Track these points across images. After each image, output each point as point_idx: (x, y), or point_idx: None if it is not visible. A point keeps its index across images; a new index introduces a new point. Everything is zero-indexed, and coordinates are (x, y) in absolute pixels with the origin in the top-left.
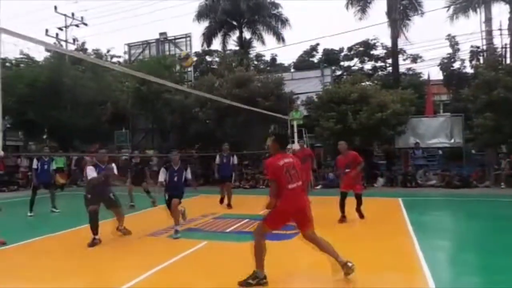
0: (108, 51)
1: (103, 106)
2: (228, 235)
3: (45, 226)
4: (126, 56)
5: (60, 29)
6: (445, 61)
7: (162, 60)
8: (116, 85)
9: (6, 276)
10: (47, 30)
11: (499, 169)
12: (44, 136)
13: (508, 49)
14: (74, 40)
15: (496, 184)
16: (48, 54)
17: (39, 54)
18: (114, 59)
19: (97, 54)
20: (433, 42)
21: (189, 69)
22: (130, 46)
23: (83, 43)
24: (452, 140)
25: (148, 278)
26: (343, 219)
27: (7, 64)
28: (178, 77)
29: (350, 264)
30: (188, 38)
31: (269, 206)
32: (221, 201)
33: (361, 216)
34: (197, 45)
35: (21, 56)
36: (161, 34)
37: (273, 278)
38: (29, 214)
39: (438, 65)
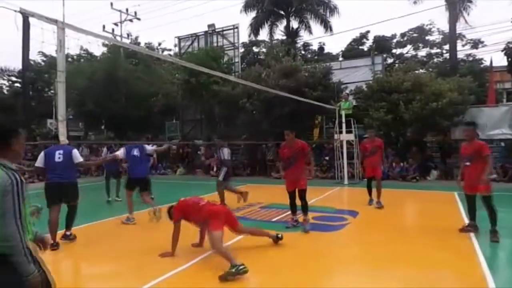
0: (160, 44)
1: (155, 98)
2: (274, 224)
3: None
4: (176, 49)
5: (116, 24)
6: (510, 45)
7: (210, 51)
8: (167, 78)
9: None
10: (104, 26)
11: None
12: (102, 127)
13: None
14: (128, 34)
15: None
16: (105, 49)
17: (97, 49)
18: (165, 52)
19: (149, 47)
20: (496, 25)
21: (236, 60)
22: (180, 38)
23: (137, 37)
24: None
25: (196, 264)
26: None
27: (69, 59)
28: (226, 68)
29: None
30: (235, 29)
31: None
32: None
33: None
34: (244, 36)
35: (82, 51)
36: (209, 26)
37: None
38: (109, 198)
39: (502, 50)
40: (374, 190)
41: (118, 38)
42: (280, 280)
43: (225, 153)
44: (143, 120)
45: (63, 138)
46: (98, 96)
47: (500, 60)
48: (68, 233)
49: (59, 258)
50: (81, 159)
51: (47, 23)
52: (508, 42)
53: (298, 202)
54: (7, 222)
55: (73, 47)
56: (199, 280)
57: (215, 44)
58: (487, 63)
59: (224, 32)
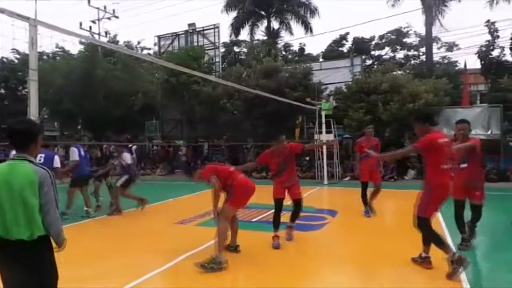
0: (139, 43)
1: (134, 97)
2: (255, 224)
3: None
4: (156, 48)
5: (93, 22)
6: (483, 49)
7: (190, 51)
8: (146, 77)
9: None
10: (81, 23)
11: None
12: (79, 126)
13: None
14: (106, 32)
15: None
16: (82, 47)
17: (74, 47)
18: (145, 51)
19: (128, 46)
20: (470, 29)
21: (217, 59)
22: (159, 37)
23: (115, 36)
24: (489, 132)
25: (176, 265)
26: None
27: (44, 57)
28: (206, 68)
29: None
30: (216, 29)
31: None
32: None
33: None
34: (225, 36)
35: (57, 49)
36: (189, 25)
37: (304, 267)
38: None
39: (475, 53)
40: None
41: (96, 36)
42: (263, 279)
43: (128, 158)
44: (122, 119)
45: None
46: (75, 95)
47: (474, 63)
48: None
49: None
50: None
51: (18, 19)
52: (481, 46)
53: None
54: (50, 210)
55: (47, 45)
56: (181, 279)
57: (195, 44)
58: (462, 65)
59: (205, 32)
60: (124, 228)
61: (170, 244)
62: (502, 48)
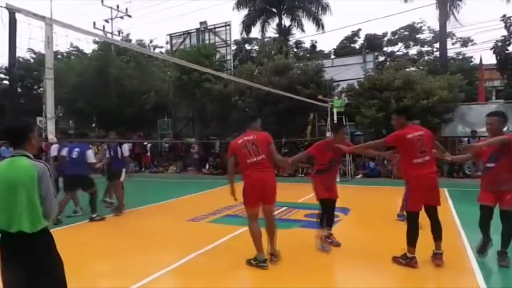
0: (151, 41)
1: (146, 95)
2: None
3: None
4: (168, 46)
5: (106, 21)
6: (499, 44)
7: (202, 49)
8: (158, 75)
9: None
10: (94, 23)
11: None
12: (93, 125)
13: None
14: (119, 31)
15: None
16: (95, 46)
17: (88, 46)
18: (157, 50)
19: (141, 44)
20: (486, 24)
21: (228, 57)
22: (171, 36)
23: (128, 35)
24: (506, 129)
25: (190, 261)
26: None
27: (59, 56)
28: (218, 65)
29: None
30: (227, 27)
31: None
32: None
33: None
34: (236, 33)
35: (71, 48)
36: (201, 23)
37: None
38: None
39: (491, 49)
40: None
41: (109, 35)
42: (276, 276)
43: (126, 149)
44: (134, 117)
45: (51, 136)
46: (88, 93)
47: (489, 58)
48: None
49: None
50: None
51: (34, 19)
52: (497, 41)
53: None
54: (49, 202)
55: (63, 44)
56: (192, 277)
57: (207, 42)
58: (477, 61)
59: (216, 30)
60: (134, 226)
61: (181, 241)
62: None
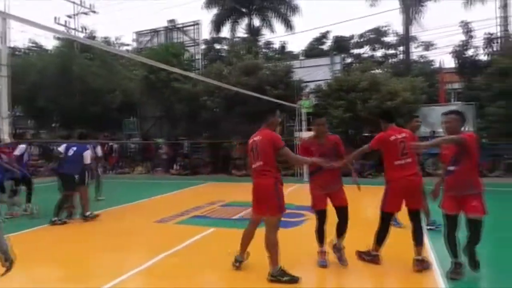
0: (117, 39)
1: (112, 94)
2: (236, 222)
3: None
4: (135, 44)
5: (69, 17)
6: (458, 48)
7: (170, 47)
8: (125, 74)
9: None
10: (56, 18)
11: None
12: (53, 124)
13: None
14: (83, 28)
15: (507, 174)
16: (57, 42)
17: (48, 42)
18: (123, 47)
19: (106, 42)
20: (447, 29)
21: (197, 56)
22: (138, 34)
23: (92, 31)
24: (464, 129)
25: (159, 262)
26: None
27: (17, 52)
28: (187, 65)
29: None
30: (197, 26)
31: None
32: None
33: None
34: (206, 33)
35: (30, 44)
36: (169, 21)
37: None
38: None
39: (450, 53)
40: None
41: (72, 32)
42: (244, 276)
43: (88, 157)
44: (99, 117)
45: (6, 137)
46: (50, 91)
47: (450, 62)
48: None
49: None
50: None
51: None
52: (456, 45)
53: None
54: None
55: (21, 40)
56: (161, 278)
57: (175, 40)
58: (438, 64)
59: (185, 28)
60: (100, 228)
61: (149, 242)
62: (476, 48)
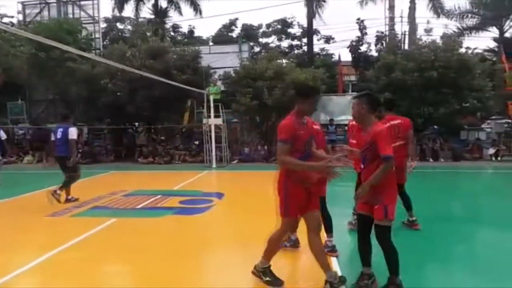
0: None
1: None
2: (139, 212)
3: None
4: (20, 17)
5: None
6: (354, 43)
7: (64, 23)
8: (7, 49)
9: None
10: None
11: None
12: None
13: (407, 36)
14: None
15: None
16: None
17: None
18: (5, 19)
19: None
20: (345, 24)
21: (97, 35)
22: (24, 4)
23: None
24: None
25: (48, 260)
26: None
27: None
28: (84, 44)
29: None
30: (95, 1)
31: None
32: None
33: None
34: (107, 10)
35: None
36: None
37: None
38: None
39: (347, 47)
40: None
41: None
42: (145, 266)
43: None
44: None
45: None
46: None
47: (347, 56)
48: None
49: None
50: None
51: None
52: (352, 41)
53: None
54: None
55: None
56: (47, 279)
57: (70, 16)
58: (337, 57)
59: (82, 3)
60: None
61: (39, 239)
62: (369, 44)
